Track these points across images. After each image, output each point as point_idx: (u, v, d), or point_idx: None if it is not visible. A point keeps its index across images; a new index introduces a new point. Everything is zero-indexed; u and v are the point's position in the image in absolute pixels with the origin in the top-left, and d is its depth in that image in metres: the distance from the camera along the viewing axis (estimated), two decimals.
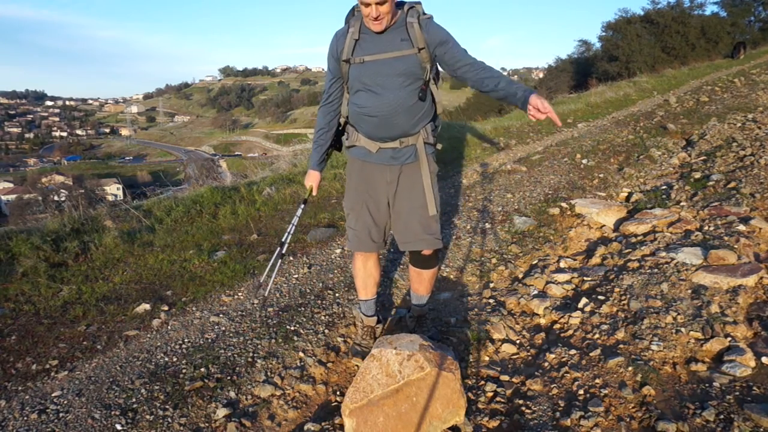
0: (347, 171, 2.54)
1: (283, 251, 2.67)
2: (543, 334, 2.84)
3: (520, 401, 2.29)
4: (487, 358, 2.70)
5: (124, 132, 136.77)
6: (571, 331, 2.74)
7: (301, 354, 2.69)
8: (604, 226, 4.26)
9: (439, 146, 2.49)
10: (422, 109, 2.30)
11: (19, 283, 3.56)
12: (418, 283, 2.67)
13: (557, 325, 2.87)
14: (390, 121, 2.26)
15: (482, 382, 2.46)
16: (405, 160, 2.36)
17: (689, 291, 2.76)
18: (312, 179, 2.58)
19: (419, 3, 2.25)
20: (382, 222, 2.49)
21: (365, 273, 2.64)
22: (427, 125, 2.37)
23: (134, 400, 2.35)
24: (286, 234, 2.67)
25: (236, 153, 78.71)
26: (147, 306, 3.22)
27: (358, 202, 2.46)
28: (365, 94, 2.26)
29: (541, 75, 44.24)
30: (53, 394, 2.40)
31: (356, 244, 2.51)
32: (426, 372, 2.05)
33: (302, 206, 2.66)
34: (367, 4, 2.06)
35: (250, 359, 2.65)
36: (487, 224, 4.56)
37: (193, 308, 3.21)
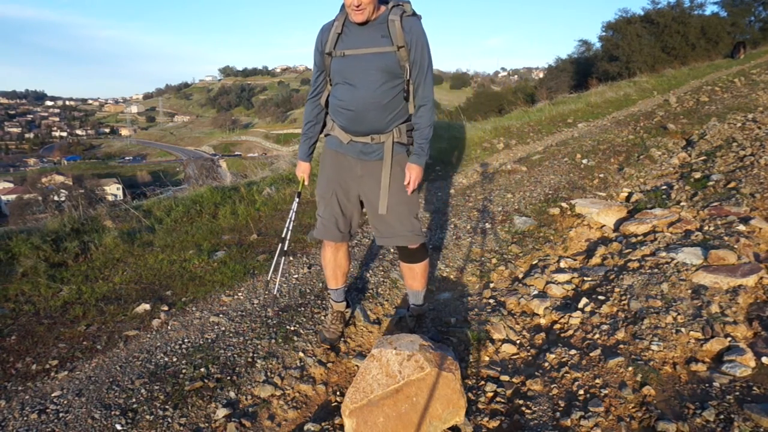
0: (321, 160, 2.57)
1: (285, 247, 2.68)
2: (543, 334, 2.84)
3: (520, 401, 2.29)
4: (487, 358, 2.70)
5: (124, 132, 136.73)
6: (571, 331, 2.74)
7: (301, 354, 2.69)
8: (604, 226, 4.26)
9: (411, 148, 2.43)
10: (397, 107, 2.32)
11: (19, 283, 3.56)
12: (411, 279, 2.67)
13: (557, 325, 2.87)
14: (363, 115, 2.29)
15: (482, 382, 2.46)
16: (374, 156, 2.39)
17: (689, 291, 2.76)
18: (302, 170, 2.64)
19: (408, 2, 2.27)
20: (349, 213, 2.52)
21: (335, 264, 2.65)
22: (401, 125, 2.37)
23: (134, 400, 2.35)
24: (285, 230, 2.68)
25: (236, 153, 78.64)
26: (147, 306, 3.22)
27: (328, 190, 2.49)
28: (343, 88, 2.30)
29: (541, 75, 44.24)
30: (53, 394, 2.40)
31: (323, 233, 2.53)
32: (426, 372, 2.05)
33: (297, 200, 2.67)
34: None
35: (250, 359, 2.65)
36: (487, 224, 4.56)
37: (193, 308, 3.21)
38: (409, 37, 2.21)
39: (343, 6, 2.29)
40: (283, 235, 2.69)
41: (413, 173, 2.36)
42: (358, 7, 2.13)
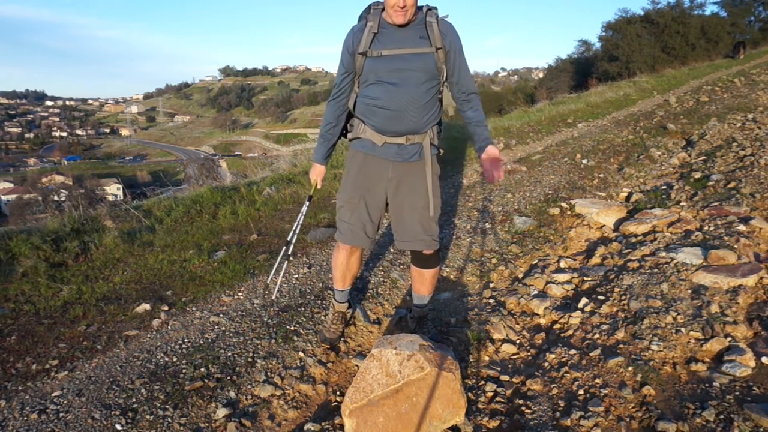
0: (347, 164, 2.52)
1: (290, 251, 2.67)
2: (543, 334, 2.84)
3: (520, 401, 2.29)
4: (487, 358, 2.70)
5: (124, 132, 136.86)
6: (571, 331, 2.74)
7: (301, 354, 2.69)
8: (604, 226, 4.26)
9: (441, 151, 2.50)
10: (433, 108, 2.33)
11: (19, 283, 3.56)
12: (420, 283, 2.66)
13: (557, 325, 2.87)
14: (402, 114, 2.27)
15: (482, 382, 2.46)
16: (409, 157, 2.37)
17: (689, 291, 2.76)
18: (317, 173, 2.62)
19: (436, 8, 2.31)
20: (376, 218, 2.49)
21: (347, 267, 2.62)
22: (434, 126, 2.38)
23: (134, 400, 2.35)
24: (292, 233, 2.67)
25: (236, 153, 78.66)
26: (147, 306, 3.22)
27: (355, 195, 2.44)
28: (379, 87, 2.27)
29: (541, 75, 44.23)
30: (53, 394, 2.40)
31: (350, 238, 2.48)
32: (426, 372, 2.05)
33: (307, 203, 2.66)
34: None
35: (250, 359, 2.65)
36: (487, 224, 4.56)
37: (193, 308, 3.21)
38: (447, 41, 2.24)
39: (368, 8, 2.31)
40: (288, 238, 2.67)
41: (491, 154, 2.30)
42: (402, 8, 2.13)
